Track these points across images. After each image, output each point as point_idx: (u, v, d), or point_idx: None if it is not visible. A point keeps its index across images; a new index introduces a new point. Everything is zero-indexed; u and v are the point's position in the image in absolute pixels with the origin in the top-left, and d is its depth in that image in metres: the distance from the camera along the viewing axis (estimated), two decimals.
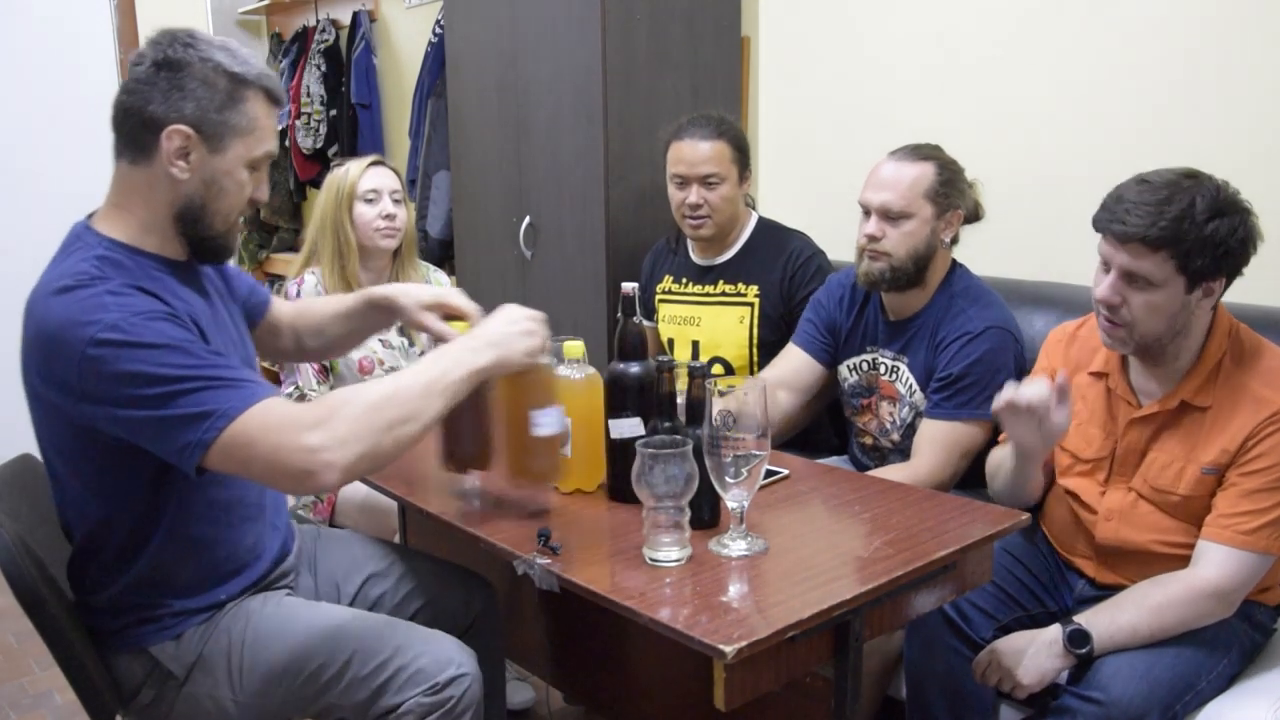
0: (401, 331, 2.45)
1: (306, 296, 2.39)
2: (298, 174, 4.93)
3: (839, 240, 2.49)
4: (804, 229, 2.55)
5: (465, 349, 1.40)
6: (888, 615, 1.39)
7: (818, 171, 2.96)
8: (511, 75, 3.10)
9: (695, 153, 2.40)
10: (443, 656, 1.48)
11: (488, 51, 3.19)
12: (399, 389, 1.33)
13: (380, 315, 1.72)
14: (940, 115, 2.60)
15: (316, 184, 4.78)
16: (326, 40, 4.69)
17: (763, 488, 1.55)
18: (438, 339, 1.60)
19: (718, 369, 2.49)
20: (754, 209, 2.60)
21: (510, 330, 1.43)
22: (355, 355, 2.39)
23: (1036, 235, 2.45)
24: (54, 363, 1.31)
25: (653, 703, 1.89)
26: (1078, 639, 1.55)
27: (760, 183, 3.08)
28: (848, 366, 2.19)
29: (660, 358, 1.51)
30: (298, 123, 4.76)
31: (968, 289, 2.04)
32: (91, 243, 1.38)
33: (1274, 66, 2.06)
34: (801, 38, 2.95)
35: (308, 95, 4.70)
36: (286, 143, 4.94)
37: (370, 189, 2.40)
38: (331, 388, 2.38)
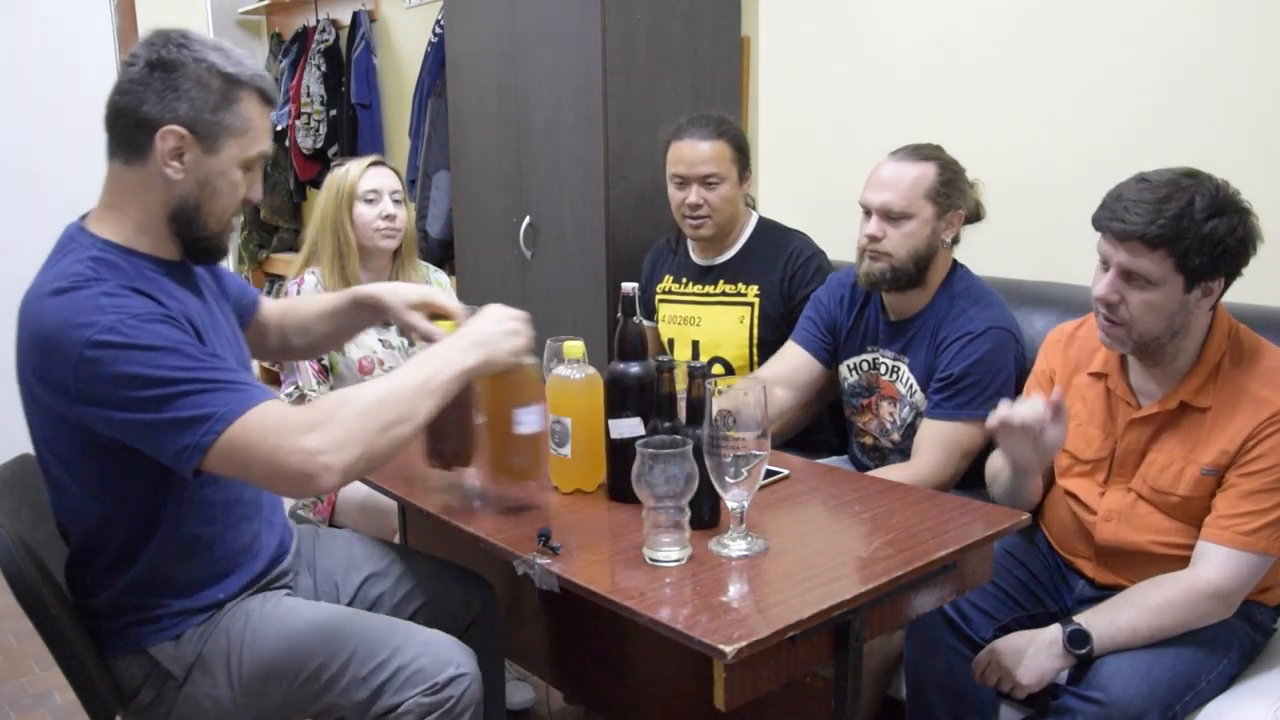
0: (401, 332, 2.45)
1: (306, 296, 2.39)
2: (298, 174, 4.94)
3: (839, 240, 2.49)
4: (804, 229, 2.55)
5: (453, 349, 1.41)
6: (888, 615, 1.39)
7: (818, 171, 2.96)
8: (511, 75, 3.10)
9: (695, 153, 2.40)
10: (442, 656, 1.48)
11: (488, 51, 3.19)
12: (393, 391, 1.34)
13: (366, 314, 1.73)
14: (940, 115, 2.60)
15: (316, 184, 4.78)
16: (326, 40, 4.69)
17: (763, 488, 1.55)
18: (424, 338, 1.62)
19: (718, 369, 2.49)
20: (754, 209, 2.60)
21: (496, 330, 1.45)
22: (355, 355, 2.39)
23: (1037, 235, 2.45)
24: (50, 364, 1.31)
25: (653, 703, 1.89)
26: (1077, 639, 1.55)
27: (760, 183, 3.08)
28: (848, 366, 2.19)
29: (660, 358, 1.51)
30: (298, 123, 4.76)
31: (969, 289, 2.04)
32: (85, 244, 1.38)
33: (1274, 67, 2.06)
34: (801, 38, 2.95)
35: (308, 95, 4.70)
36: (286, 143, 4.94)
37: (370, 189, 2.40)
38: (332, 388, 2.37)
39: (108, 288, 1.32)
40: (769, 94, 3.07)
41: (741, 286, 2.48)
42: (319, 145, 4.71)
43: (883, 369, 2.12)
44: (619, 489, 1.54)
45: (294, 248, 5.16)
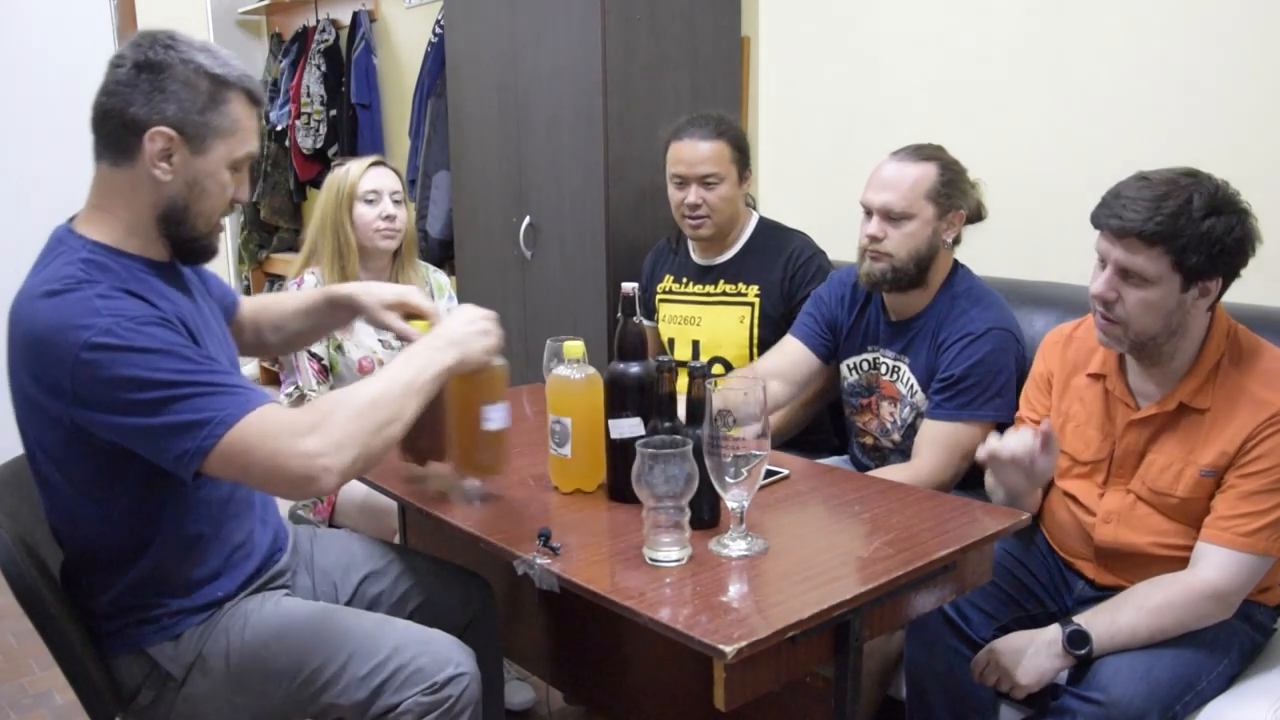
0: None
1: None
2: (298, 174, 4.94)
3: (839, 240, 2.49)
4: (804, 229, 2.55)
5: (432, 349, 1.44)
6: (888, 615, 1.39)
7: (818, 171, 2.96)
8: (511, 75, 3.10)
9: (694, 153, 2.40)
10: (441, 656, 1.48)
11: (488, 51, 3.19)
12: (383, 391, 1.36)
13: (341, 313, 1.75)
14: (940, 115, 2.60)
15: (316, 184, 4.78)
16: (326, 40, 4.69)
17: (763, 488, 1.55)
18: (400, 337, 1.65)
19: (718, 369, 2.49)
20: (755, 209, 2.60)
21: (469, 330, 1.48)
22: (355, 355, 2.39)
23: (1037, 235, 2.45)
24: (46, 366, 1.31)
25: (653, 703, 1.89)
26: (1077, 640, 1.55)
27: (760, 183, 3.08)
28: (848, 366, 2.19)
29: (660, 358, 1.51)
30: (298, 123, 4.77)
31: (969, 289, 2.04)
32: (75, 246, 1.38)
33: (1274, 67, 2.06)
34: (801, 38, 2.95)
35: (308, 95, 4.70)
36: (286, 143, 4.94)
37: (370, 189, 2.40)
38: (331, 388, 2.37)
39: (101, 290, 1.32)
40: (769, 94, 3.07)
41: (742, 286, 2.48)
42: (319, 145, 4.71)
43: (883, 369, 2.12)
44: (619, 489, 1.54)
45: (294, 248, 5.16)
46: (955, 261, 2.08)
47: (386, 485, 1.72)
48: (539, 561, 1.36)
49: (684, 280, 2.58)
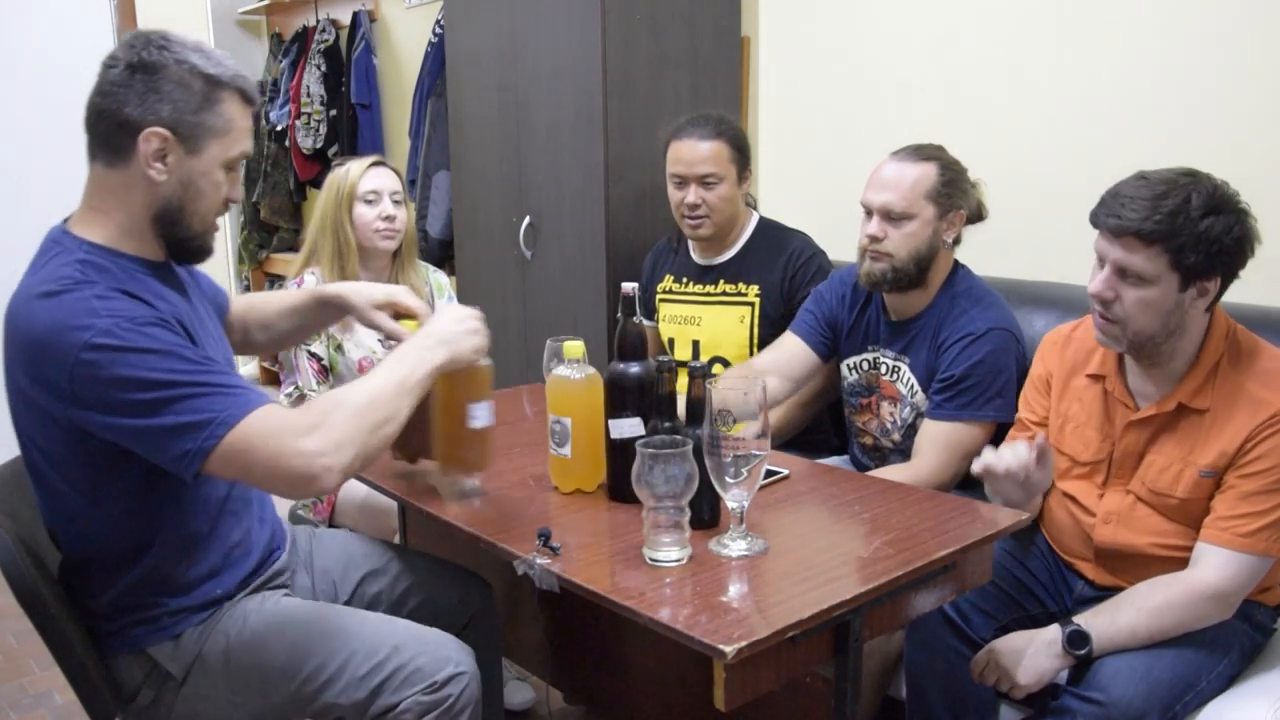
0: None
1: None
2: (298, 174, 4.94)
3: (839, 240, 2.49)
4: (804, 229, 2.55)
5: (422, 348, 1.45)
6: (888, 615, 1.39)
7: (818, 171, 2.96)
8: (511, 75, 3.10)
9: (693, 153, 2.40)
10: (441, 655, 1.48)
11: (488, 51, 3.19)
12: (379, 391, 1.38)
13: (330, 312, 1.77)
14: (940, 115, 2.60)
15: (316, 184, 4.78)
16: (326, 40, 4.69)
17: (763, 488, 1.55)
18: (389, 337, 1.67)
19: (718, 369, 2.49)
20: (755, 209, 2.60)
21: (458, 329, 1.49)
22: (355, 356, 2.39)
23: (1037, 235, 2.45)
24: (44, 367, 1.31)
25: (653, 703, 1.89)
26: (1077, 640, 1.55)
27: (760, 183, 3.08)
28: (848, 365, 2.19)
29: (660, 358, 1.51)
30: (298, 123, 4.76)
31: (970, 290, 2.04)
32: (71, 246, 1.38)
33: (1274, 67, 2.06)
34: (801, 38, 2.95)
35: (308, 95, 4.70)
36: (286, 143, 4.94)
37: (370, 190, 2.40)
38: (331, 388, 2.37)
39: (99, 290, 1.32)
40: (769, 94, 3.07)
41: (742, 286, 2.48)
42: (319, 145, 4.71)
43: (883, 369, 2.12)
44: (619, 489, 1.54)
45: (294, 248, 5.16)
46: (955, 262, 2.08)
47: (386, 485, 1.72)
48: (539, 561, 1.36)
49: (684, 280, 2.58)
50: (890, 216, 1.97)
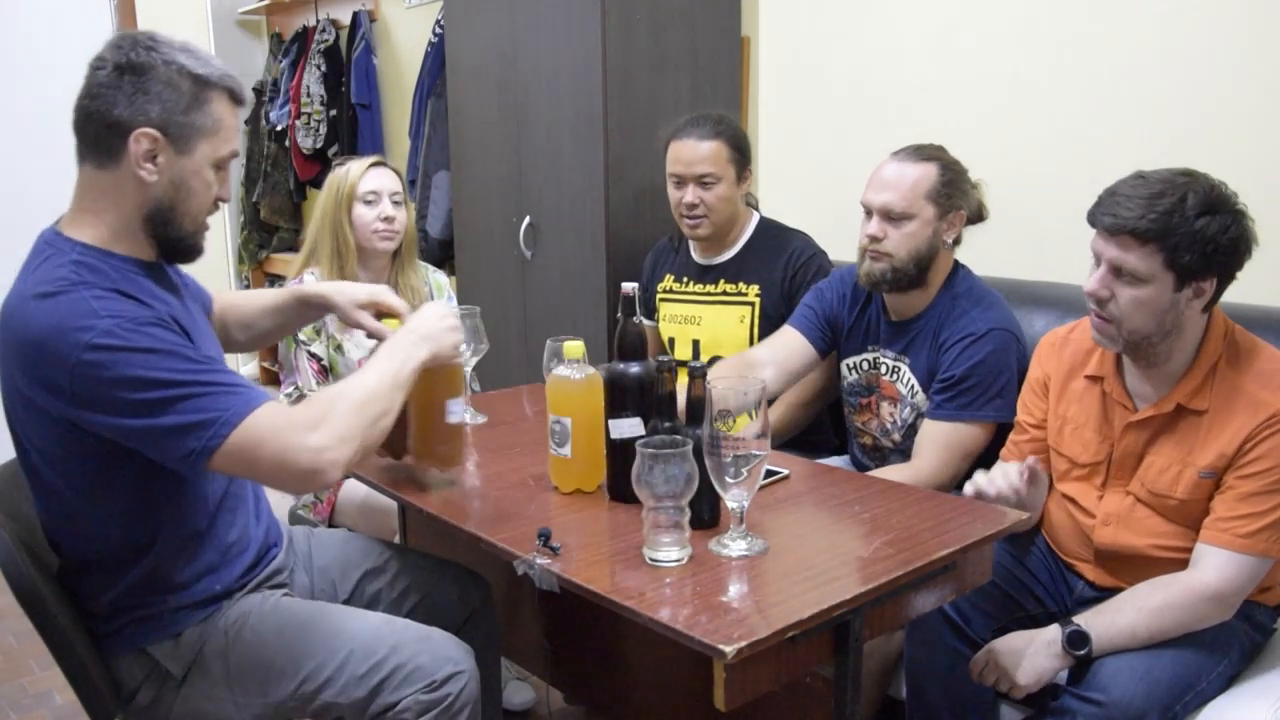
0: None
1: None
2: (298, 174, 4.94)
3: (839, 240, 2.49)
4: (804, 229, 2.55)
5: (408, 344, 1.49)
6: (888, 615, 1.39)
7: (818, 171, 2.96)
8: (511, 75, 3.10)
9: (692, 153, 2.40)
10: (440, 654, 1.49)
11: (488, 51, 3.19)
12: (375, 386, 1.41)
13: (312, 311, 1.79)
14: (940, 115, 2.60)
15: (316, 184, 4.78)
16: (326, 40, 4.69)
17: (763, 488, 1.55)
18: (372, 335, 1.70)
19: None
20: (756, 209, 2.60)
21: (440, 326, 1.53)
22: (355, 356, 2.39)
23: (1037, 235, 2.45)
24: (43, 367, 1.31)
25: (653, 703, 1.89)
26: (1076, 640, 1.55)
27: (760, 183, 3.08)
28: (848, 365, 2.19)
29: (660, 358, 1.51)
30: (298, 123, 4.76)
31: (970, 290, 2.04)
32: (64, 248, 1.38)
33: (1274, 68, 2.06)
34: (801, 38, 2.95)
35: (308, 95, 4.70)
36: (286, 143, 4.94)
37: (370, 190, 2.40)
38: None
39: (96, 291, 1.32)
40: (769, 94, 3.07)
41: (742, 286, 2.48)
42: (319, 145, 4.71)
43: (883, 369, 2.12)
44: (619, 489, 1.54)
45: (294, 248, 5.16)
46: (956, 262, 2.08)
47: (386, 485, 1.72)
48: (539, 561, 1.36)
49: (684, 279, 2.58)
50: (890, 216, 1.97)
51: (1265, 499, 1.53)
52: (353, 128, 4.57)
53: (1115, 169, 1.66)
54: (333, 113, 4.66)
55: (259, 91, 5.18)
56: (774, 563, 1.36)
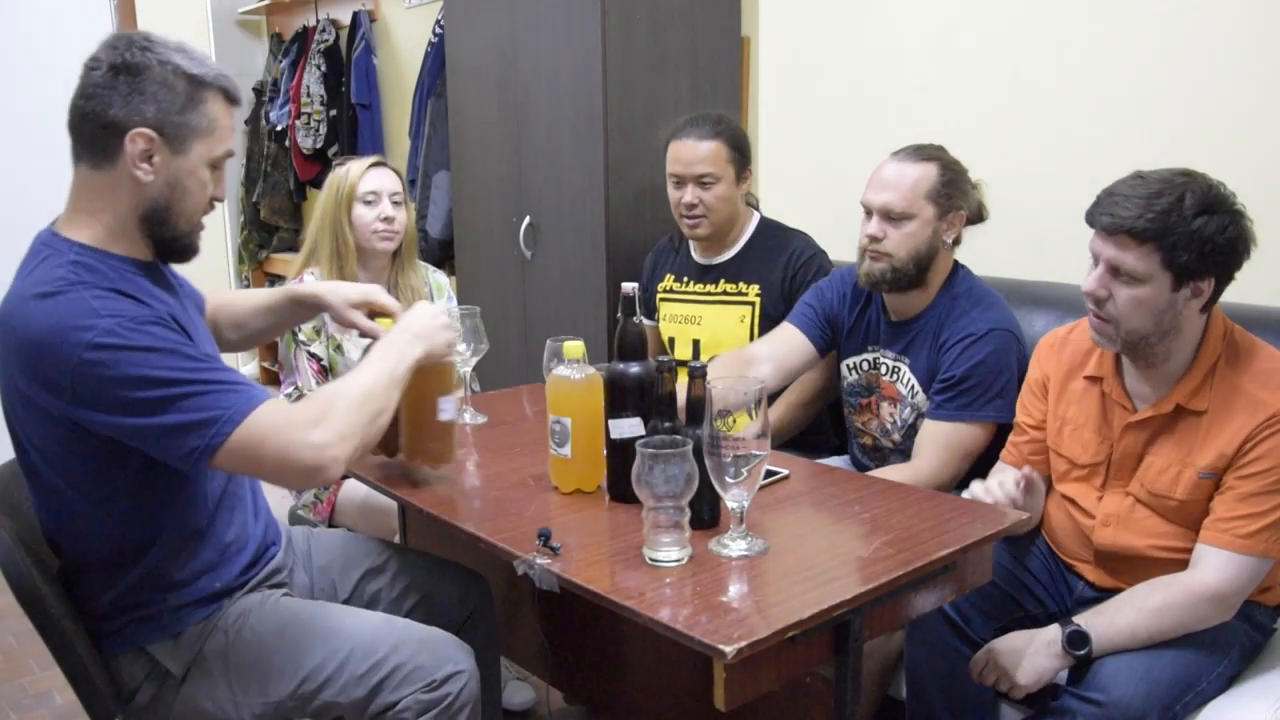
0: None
1: None
2: (298, 174, 4.93)
3: (839, 240, 2.49)
4: (804, 229, 2.55)
5: (402, 342, 1.51)
6: (888, 615, 1.39)
7: (818, 171, 2.96)
8: (511, 75, 3.10)
9: (691, 152, 2.40)
10: (440, 653, 1.49)
11: (488, 51, 3.19)
12: (374, 383, 1.43)
13: (303, 311, 1.80)
14: (940, 115, 2.60)
15: (316, 184, 4.78)
16: (326, 40, 4.69)
17: (763, 488, 1.55)
18: (365, 335, 1.71)
19: None
20: (757, 209, 2.60)
21: (432, 325, 1.56)
22: (355, 356, 2.39)
23: (1037, 235, 2.45)
24: (43, 367, 1.31)
25: (653, 703, 1.89)
26: (1076, 640, 1.55)
27: (760, 183, 3.08)
28: (848, 365, 2.19)
29: (660, 357, 1.51)
30: (298, 123, 4.76)
31: (970, 290, 2.04)
32: (62, 248, 1.38)
33: (1274, 68, 2.06)
34: (801, 38, 2.95)
35: (308, 95, 4.70)
36: (286, 143, 4.94)
37: (370, 190, 2.40)
38: None
39: (95, 291, 1.33)
40: (769, 94, 3.07)
41: (742, 286, 2.48)
42: (319, 145, 4.71)
43: (883, 369, 2.12)
44: (619, 489, 1.54)
45: (294, 248, 5.16)
46: (955, 262, 2.08)
47: (386, 485, 1.72)
48: (539, 561, 1.36)
49: (685, 279, 2.58)
50: (890, 216, 1.97)
51: (1265, 499, 1.53)
52: (353, 128, 4.57)
53: (1115, 169, 1.66)
54: (333, 113, 4.66)
55: (259, 91, 5.18)
56: (774, 563, 1.36)
